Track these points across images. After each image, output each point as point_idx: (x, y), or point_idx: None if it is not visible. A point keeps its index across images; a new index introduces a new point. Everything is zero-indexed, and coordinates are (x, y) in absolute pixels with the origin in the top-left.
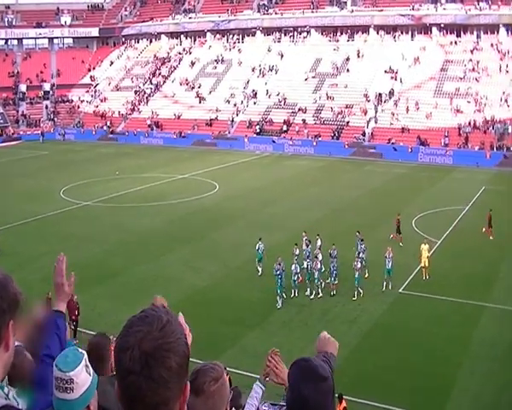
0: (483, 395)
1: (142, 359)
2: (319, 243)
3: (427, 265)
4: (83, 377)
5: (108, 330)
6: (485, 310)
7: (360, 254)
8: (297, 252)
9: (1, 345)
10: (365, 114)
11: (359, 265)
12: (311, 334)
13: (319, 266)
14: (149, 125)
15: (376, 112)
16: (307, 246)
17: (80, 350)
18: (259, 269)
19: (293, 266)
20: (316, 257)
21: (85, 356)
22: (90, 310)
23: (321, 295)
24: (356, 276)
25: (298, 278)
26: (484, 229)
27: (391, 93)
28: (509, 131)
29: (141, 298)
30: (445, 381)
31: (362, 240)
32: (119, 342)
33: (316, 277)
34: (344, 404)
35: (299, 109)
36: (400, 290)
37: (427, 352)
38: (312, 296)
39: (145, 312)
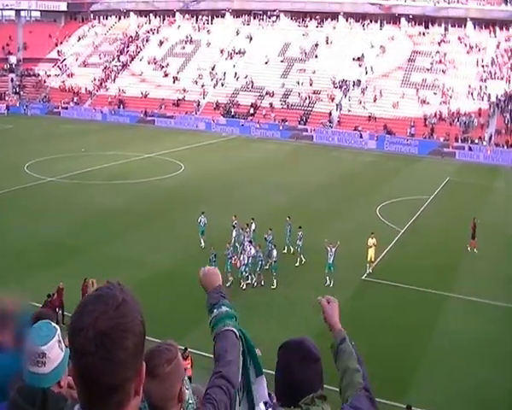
0: (444, 384)
1: (97, 339)
2: (253, 226)
3: (372, 259)
4: (55, 352)
5: (71, 308)
6: (448, 300)
7: (297, 242)
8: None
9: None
10: (332, 100)
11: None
12: (277, 317)
13: (252, 251)
14: (110, 103)
15: (343, 99)
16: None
17: (53, 325)
18: (202, 242)
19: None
20: (250, 242)
21: (58, 331)
22: (51, 288)
23: (244, 285)
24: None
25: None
26: (469, 245)
27: (358, 81)
28: (475, 123)
29: (103, 277)
30: (408, 370)
31: (300, 227)
32: (72, 322)
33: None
34: None
35: (266, 93)
36: (363, 277)
37: (390, 340)
38: (243, 285)
39: (100, 290)
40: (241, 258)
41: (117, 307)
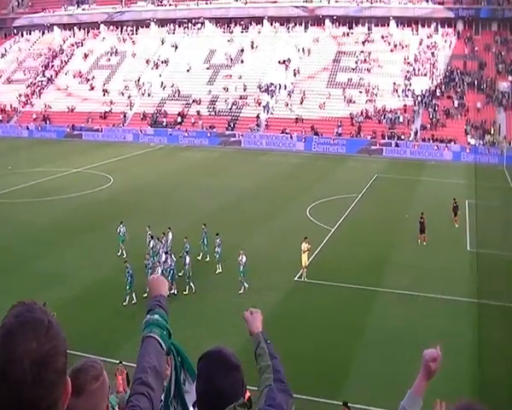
0: (380, 379)
1: (33, 368)
2: (170, 236)
3: (306, 264)
4: None
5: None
6: (380, 294)
7: (216, 249)
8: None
9: None
10: (259, 104)
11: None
12: (209, 325)
13: (168, 262)
14: (35, 119)
15: (270, 103)
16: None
17: None
18: (120, 250)
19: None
20: (166, 252)
21: None
22: None
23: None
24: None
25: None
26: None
27: (285, 84)
28: (400, 120)
29: (33, 295)
30: (343, 366)
31: (217, 234)
32: (2, 353)
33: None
34: (248, 394)
35: (193, 101)
36: (295, 279)
37: (324, 338)
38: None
39: (23, 315)
40: (156, 270)
41: (46, 331)
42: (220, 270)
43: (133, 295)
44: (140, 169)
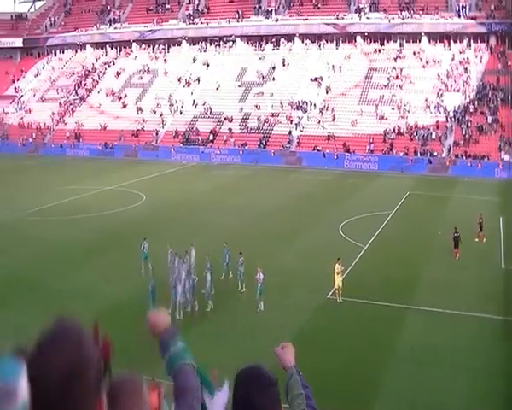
0: (406, 395)
1: (61, 379)
2: (193, 253)
3: (340, 286)
4: (22, 387)
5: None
6: (410, 312)
7: (239, 268)
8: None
9: None
10: (291, 122)
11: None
12: (237, 344)
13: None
14: (68, 137)
15: (301, 120)
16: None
17: (18, 361)
18: (143, 267)
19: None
20: (188, 271)
21: (24, 367)
22: (5, 326)
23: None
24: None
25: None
26: (478, 237)
27: (316, 101)
28: (433, 136)
29: (65, 310)
30: (372, 383)
31: (240, 253)
32: (34, 362)
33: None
34: None
35: (225, 119)
36: (328, 296)
37: (355, 356)
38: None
39: (57, 329)
40: (176, 288)
41: (77, 344)
42: (244, 289)
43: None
44: (172, 187)
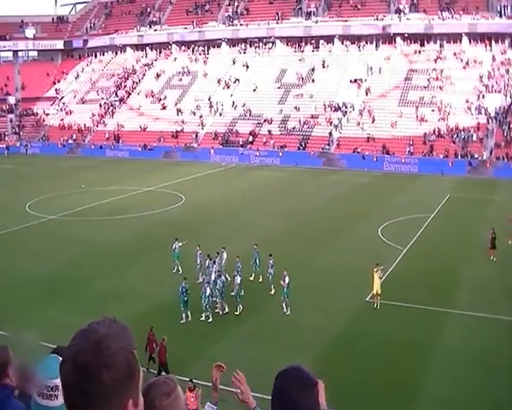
0: (449, 401)
1: (75, 372)
2: (225, 256)
3: (379, 292)
4: None
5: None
6: (450, 316)
7: (269, 270)
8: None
9: None
10: (331, 123)
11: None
12: (275, 344)
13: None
14: (107, 139)
15: (341, 121)
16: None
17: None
18: (175, 267)
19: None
20: (219, 272)
21: None
22: (53, 324)
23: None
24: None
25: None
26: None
27: (356, 103)
28: (474, 138)
29: (104, 311)
30: (412, 388)
31: (270, 255)
32: (61, 355)
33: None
34: None
35: (264, 120)
36: (367, 299)
37: (395, 358)
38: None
39: (88, 325)
40: (205, 289)
41: (97, 342)
42: (274, 290)
43: (188, 312)
44: (211, 188)
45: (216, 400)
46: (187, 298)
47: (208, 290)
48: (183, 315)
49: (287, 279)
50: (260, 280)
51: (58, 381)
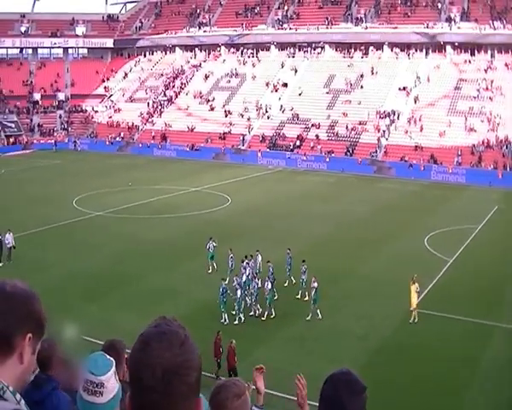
0: None
1: (164, 377)
2: (259, 258)
3: (415, 306)
4: (112, 382)
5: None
6: (497, 329)
7: (302, 276)
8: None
9: (14, 355)
10: (378, 131)
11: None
12: (315, 349)
13: (252, 284)
14: (153, 137)
15: (389, 129)
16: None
17: (109, 357)
18: (211, 267)
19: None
20: (254, 275)
21: (114, 363)
22: (100, 320)
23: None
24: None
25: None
26: None
27: (404, 110)
28: None
29: (151, 308)
30: (455, 400)
31: (303, 261)
32: (137, 358)
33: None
34: None
35: (312, 125)
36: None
37: (437, 369)
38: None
39: (161, 327)
40: (236, 292)
41: (181, 344)
42: (306, 297)
43: (226, 315)
44: (257, 191)
45: (261, 403)
46: (226, 299)
47: (239, 293)
48: (224, 315)
49: (315, 285)
50: (294, 282)
51: (104, 378)
